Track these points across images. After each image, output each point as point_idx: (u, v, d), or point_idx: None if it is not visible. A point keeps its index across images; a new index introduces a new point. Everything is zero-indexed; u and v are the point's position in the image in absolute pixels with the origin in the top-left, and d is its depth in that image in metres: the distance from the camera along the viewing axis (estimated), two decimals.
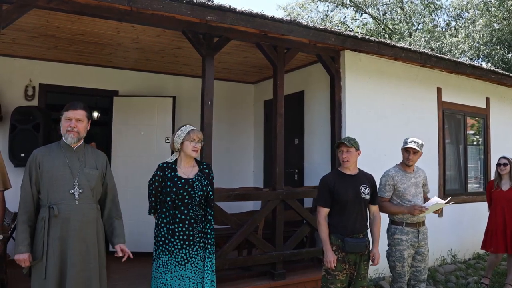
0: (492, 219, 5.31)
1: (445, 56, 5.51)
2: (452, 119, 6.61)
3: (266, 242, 4.58)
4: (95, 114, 7.69)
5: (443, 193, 6.21)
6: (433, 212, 4.05)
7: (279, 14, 27.00)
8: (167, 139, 5.91)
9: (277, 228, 4.61)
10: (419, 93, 6.02)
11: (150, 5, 3.41)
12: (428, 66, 5.73)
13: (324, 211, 3.54)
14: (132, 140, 5.83)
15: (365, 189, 3.53)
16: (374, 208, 3.66)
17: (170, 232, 3.15)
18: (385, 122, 5.58)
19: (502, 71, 6.62)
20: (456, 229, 6.38)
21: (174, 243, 3.14)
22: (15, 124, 5.06)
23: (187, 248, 3.14)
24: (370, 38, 4.67)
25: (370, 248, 3.56)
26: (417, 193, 4.05)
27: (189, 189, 3.16)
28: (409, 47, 5.17)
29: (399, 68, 5.74)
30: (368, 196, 3.53)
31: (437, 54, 5.41)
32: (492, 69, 6.36)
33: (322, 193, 3.56)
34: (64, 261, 2.76)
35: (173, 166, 3.28)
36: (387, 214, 4.10)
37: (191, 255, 3.15)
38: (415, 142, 4.00)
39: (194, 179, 3.22)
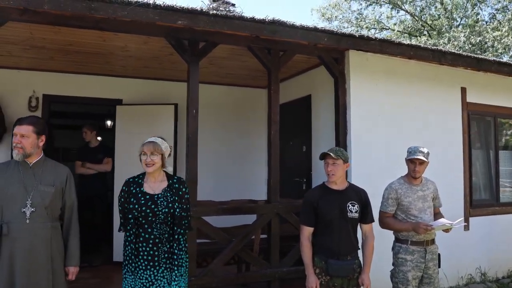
0: None
1: (464, 53, 4.95)
2: (480, 121, 5.98)
3: (259, 259, 4.29)
4: (108, 123, 7.73)
5: (470, 204, 5.62)
6: (443, 230, 3.60)
7: (314, 18, 26.44)
8: (170, 148, 5.76)
9: (272, 243, 4.30)
10: (439, 94, 5.47)
11: (114, 12, 3.25)
12: (446, 64, 5.18)
13: (307, 231, 3.22)
14: (135, 148, 5.68)
15: (353, 206, 3.16)
16: (367, 227, 3.28)
17: (134, 251, 2.96)
18: (398, 127, 5.10)
19: None
20: (486, 244, 5.74)
21: (139, 263, 2.95)
22: None
23: (152, 269, 2.93)
24: (371, 36, 4.25)
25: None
26: (424, 207, 3.62)
27: (152, 206, 2.95)
28: (419, 44, 4.68)
29: (415, 67, 5.24)
30: (356, 215, 3.16)
31: (453, 51, 4.87)
32: None
33: (305, 211, 3.25)
34: (13, 282, 2.67)
35: (140, 181, 3.09)
36: (391, 231, 3.72)
37: (156, 277, 2.93)
38: (421, 151, 3.57)
39: (159, 195, 3.01)
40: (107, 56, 4.93)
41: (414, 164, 3.55)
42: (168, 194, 3.02)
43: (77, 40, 4.31)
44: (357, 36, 4.28)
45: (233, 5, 7.47)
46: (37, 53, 4.78)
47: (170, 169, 3.22)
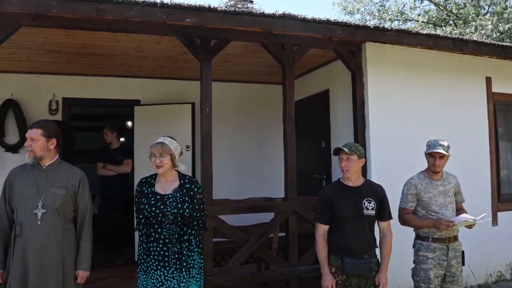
0: None
1: (488, 41, 4.71)
2: (507, 112, 5.71)
3: (277, 257, 4.23)
4: (129, 123, 7.83)
5: (498, 198, 5.38)
6: (465, 227, 3.44)
7: (335, 12, 25.95)
8: (187, 147, 5.77)
9: (289, 241, 4.23)
10: (463, 85, 5.25)
11: (122, 12, 3.24)
12: (468, 53, 4.96)
13: (322, 228, 3.14)
14: None
15: (369, 203, 3.06)
16: (384, 225, 3.16)
17: (146, 251, 2.98)
18: (419, 120, 4.92)
19: None
20: None
21: (150, 263, 2.96)
22: None
23: (162, 269, 2.93)
24: (386, 26, 4.09)
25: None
26: (446, 203, 3.47)
27: (162, 206, 2.93)
28: (438, 33, 4.48)
29: (436, 57, 5.04)
30: (373, 212, 3.06)
31: (475, 39, 4.65)
32: None
33: (320, 208, 3.17)
34: (26, 282, 2.72)
35: (152, 181, 3.09)
36: (412, 228, 3.59)
37: (166, 278, 2.93)
38: (441, 145, 3.42)
39: (169, 195, 2.99)
40: (122, 57, 4.97)
41: (434, 158, 3.40)
42: (178, 194, 2.99)
43: (90, 42, 4.35)
44: (372, 27, 4.13)
45: (251, 1, 7.38)
46: (54, 57, 4.86)
47: (183, 168, 3.16)
